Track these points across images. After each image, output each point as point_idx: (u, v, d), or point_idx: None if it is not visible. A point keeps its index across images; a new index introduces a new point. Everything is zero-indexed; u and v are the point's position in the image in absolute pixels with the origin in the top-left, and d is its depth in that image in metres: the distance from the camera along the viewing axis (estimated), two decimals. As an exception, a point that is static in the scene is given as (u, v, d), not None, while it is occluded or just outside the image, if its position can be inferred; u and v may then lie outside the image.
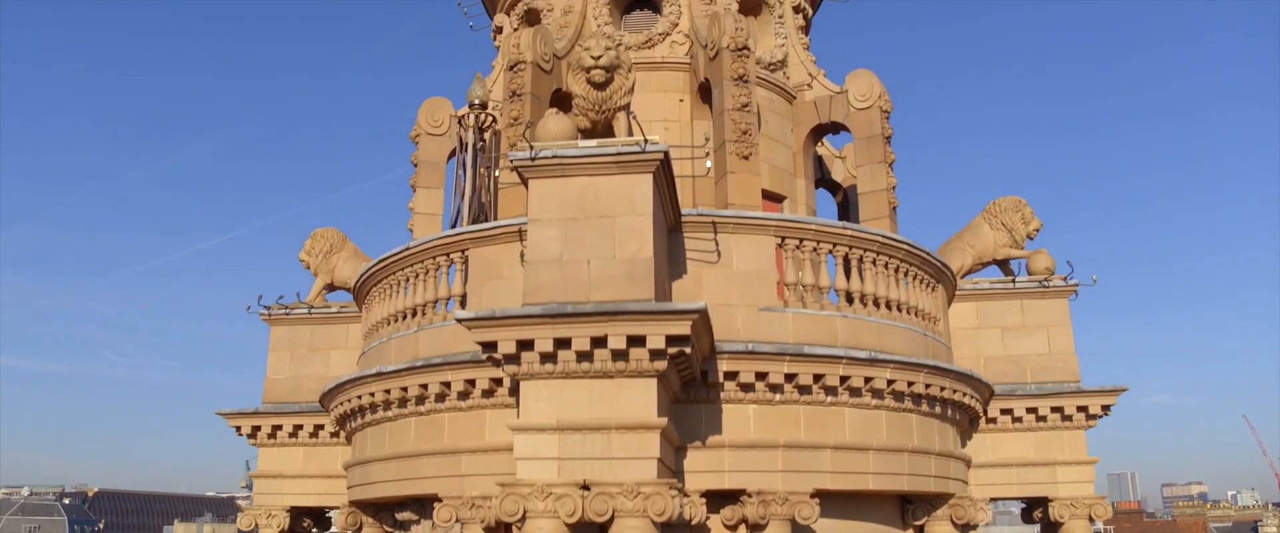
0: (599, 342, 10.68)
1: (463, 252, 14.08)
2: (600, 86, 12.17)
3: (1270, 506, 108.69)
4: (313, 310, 18.79)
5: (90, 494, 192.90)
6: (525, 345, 10.80)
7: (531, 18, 18.74)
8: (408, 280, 14.93)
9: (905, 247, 14.62)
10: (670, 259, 12.98)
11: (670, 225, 12.98)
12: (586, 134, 12.71)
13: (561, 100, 16.77)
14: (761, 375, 12.72)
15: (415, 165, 18.40)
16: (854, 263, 14.06)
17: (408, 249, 14.77)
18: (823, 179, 20.40)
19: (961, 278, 17.48)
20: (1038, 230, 18.08)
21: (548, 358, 10.84)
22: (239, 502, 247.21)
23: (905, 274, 14.76)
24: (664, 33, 17.23)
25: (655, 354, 10.68)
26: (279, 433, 18.32)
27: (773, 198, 17.16)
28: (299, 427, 18.11)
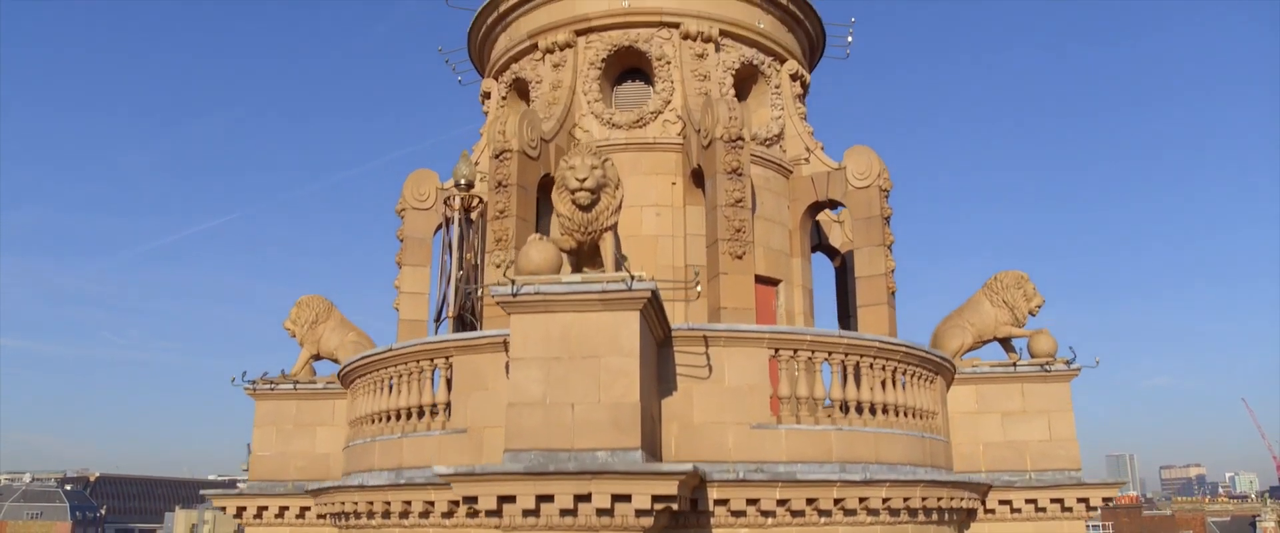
0: (583, 498, 10.30)
1: (447, 358, 13.66)
2: (586, 208, 11.71)
3: (1268, 498, 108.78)
4: (298, 385, 18.36)
5: (92, 479, 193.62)
6: (507, 500, 10.43)
7: (520, 87, 18.24)
8: (392, 379, 14.53)
9: (903, 349, 14.21)
10: (659, 376, 12.58)
11: (659, 341, 12.56)
12: (572, 253, 12.25)
13: (550, 184, 16.32)
14: (753, 501, 12.35)
15: (401, 241, 17.94)
16: (850, 370, 13.65)
17: (391, 350, 14.35)
18: (820, 244, 19.94)
19: (960, 358, 17.08)
20: (1040, 307, 17.66)
21: (530, 513, 10.47)
22: (241, 485, 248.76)
23: (903, 373, 14.36)
24: (656, 111, 16.71)
25: (641, 512, 10.29)
26: (265, 513, 17.98)
27: (767, 282, 16.72)
28: (285, 508, 17.76)
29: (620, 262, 12.54)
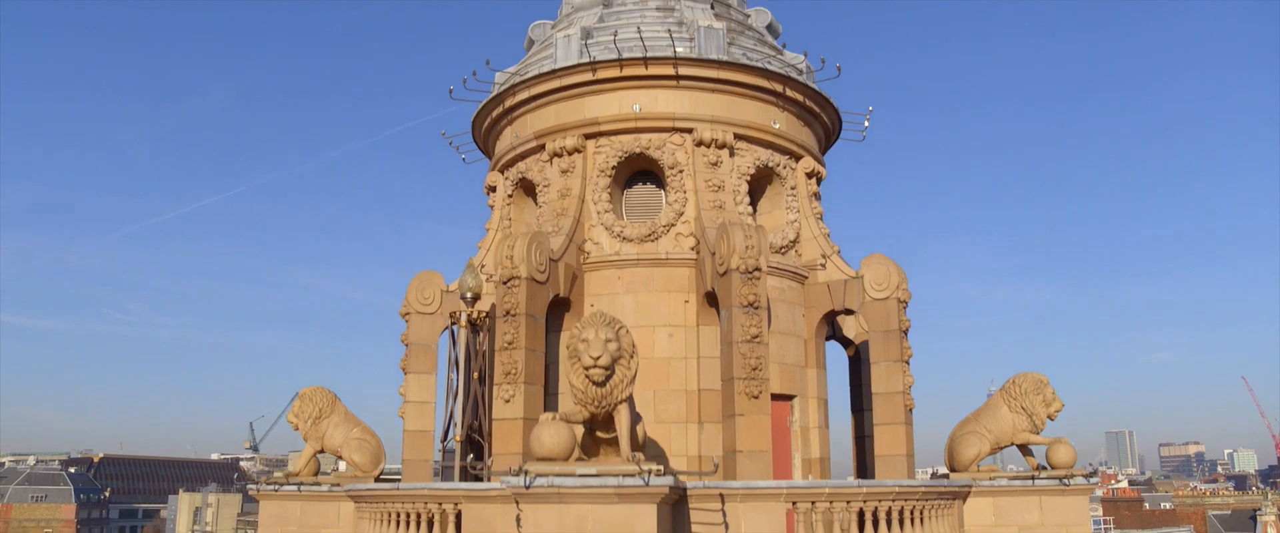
0: None
1: (456, 504, 13.31)
2: (601, 384, 11.29)
3: (1269, 492, 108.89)
4: (302, 487, 18.04)
5: (95, 460, 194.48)
6: None
7: (526, 186, 17.73)
8: (400, 515, 14.17)
9: (922, 490, 13.85)
10: (674, 535, 12.23)
11: (673, 503, 12.20)
12: (586, 425, 11.84)
13: (558, 304, 15.88)
14: None
15: (405, 345, 17.53)
16: (868, 515, 13.30)
17: (400, 490, 13.99)
18: (834, 333, 19.50)
19: (977, 467, 16.75)
20: (1059, 411, 17.31)
21: None
22: (243, 464, 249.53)
23: (922, 511, 14.01)
24: (668, 224, 16.20)
25: None
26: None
27: (782, 398, 16.31)
28: (289, 618, 17.50)
29: (635, 429, 12.12)
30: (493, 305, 16.03)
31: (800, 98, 17.49)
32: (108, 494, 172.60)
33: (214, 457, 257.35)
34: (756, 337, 14.23)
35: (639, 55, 16.33)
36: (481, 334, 16.24)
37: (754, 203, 17.42)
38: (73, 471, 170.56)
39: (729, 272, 14.50)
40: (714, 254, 15.06)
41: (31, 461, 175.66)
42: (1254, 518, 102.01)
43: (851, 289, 16.74)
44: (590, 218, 16.43)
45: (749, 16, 18.93)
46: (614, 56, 16.42)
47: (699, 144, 16.34)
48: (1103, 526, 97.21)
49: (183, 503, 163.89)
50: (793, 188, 17.43)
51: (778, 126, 17.20)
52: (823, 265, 17.16)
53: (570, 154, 16.59)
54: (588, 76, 16.58)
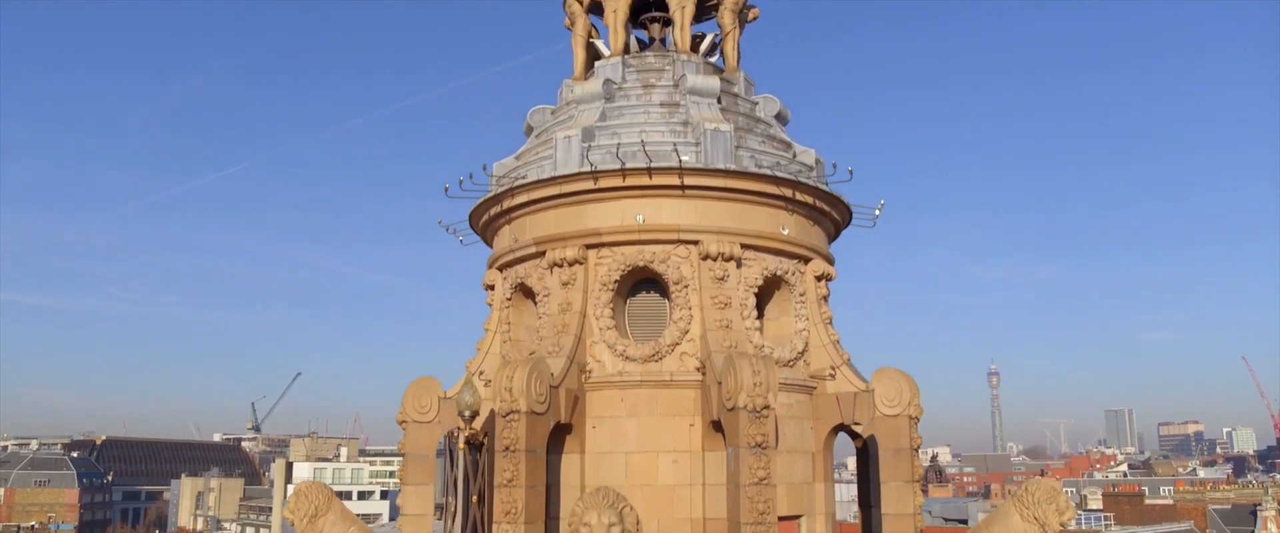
0: None
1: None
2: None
3: (1270, 488, 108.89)
4: (297, 592, 17.66)
5: (98, 443, 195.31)
6: None
7: (525, 291, 17.13)
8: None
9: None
10: None
11: None
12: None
13: (559, 430, 15.36)
14: None
15: (402, 455, 17.04)
16: None
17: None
18: (840, 424, 18.99)
19: (990, 579, 16.33)
20: (1071, 520, 16.93)
21: None
22: (245, 444, 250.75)
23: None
24: (673, 343, 15.63)
25: None
26: None
27: (788, 519, 15.82)
28: None
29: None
30: (491, 411, 15.53)
31: (810, 200, 16.86)
32: (110, 478, 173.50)
33: (216, 438, 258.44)
34: (764, 479, 13.73)
35: (643, 165, 15.69)
36: (481, 451, 15.74)
37: (761, 307, 16.85)
38: (75, 455, 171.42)
39: (737, 408, 13.96)
40: (721, 384, 14.52)
41: (34, 445, 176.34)
42: (1254, 513, 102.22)
43: (861, 403, 16.22)
44: (592, 334, 15.86)
45: (757, 105, 18.25)
46: (616, 166, 15.79)
47: (705, 258, 15.74)
48: (1103, 520, 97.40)
49: (185, 488, 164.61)
50: (801, 294, 16.84)
51: (787, 232, 16.59)
52: (831, 376, 16.62)
53: (571, 266, 16.00)
54: (589, 185, 15.96)
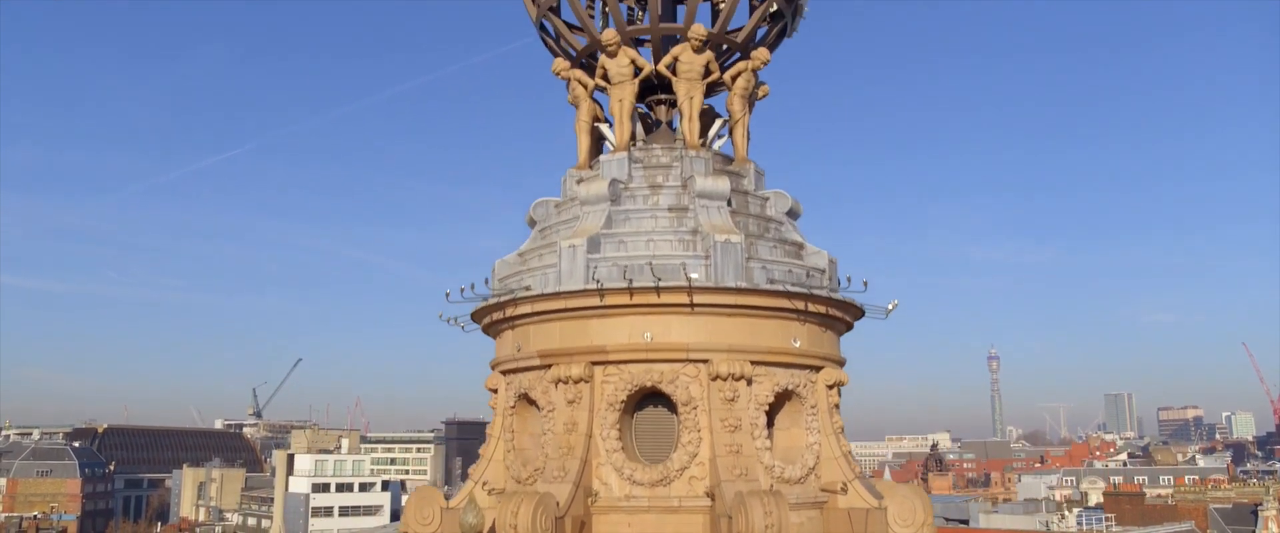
0: None
1: None
2: None
3: (1271, 484, 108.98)
4: None
5: (99, 431, 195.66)
6: None
7: (527, 399, 16.68)
8: None
9: None
10: None
11: None
12: None
13: (566, 558, 14.94)
14: None
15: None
16: None
17: None
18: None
19: None
20: None
21: None
22: (247, 429, 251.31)
23: None
24: (681, 467, 15.18)
25: None
26: None
27: (800, 643, 15.45)
28: None
29: None
30: (494, 523, 15.14)
31: (823, 309, 16.38)
32: (112, 468, 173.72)
33: (218, 425, 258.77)
34: (777, 627, 13.34)
35: (650, 284, 15.19)
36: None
37: (771, 416, 16.38)
38: (77, 445, 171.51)
39: (749, 553, 13.54)
40: (731, 519, 14.10)
41: (36, 434, 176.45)
42: (1255, 513, 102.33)
43: (874, 520, 15.81)
44: (599, 455, 15.43)
45: (768, 201, 17.71)
46: (623, 283, 15.29)
47: (715, 378, 15.27)
48: (1103, 521, 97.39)
49: (186, 478, 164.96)
50: (813, 406, 16.38)
51: (798, 344, 16.12)
52: (843, 490, 16.19)
53: (576, 383, 15.54)
54: (595, 302, 15.47)
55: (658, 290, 15.22)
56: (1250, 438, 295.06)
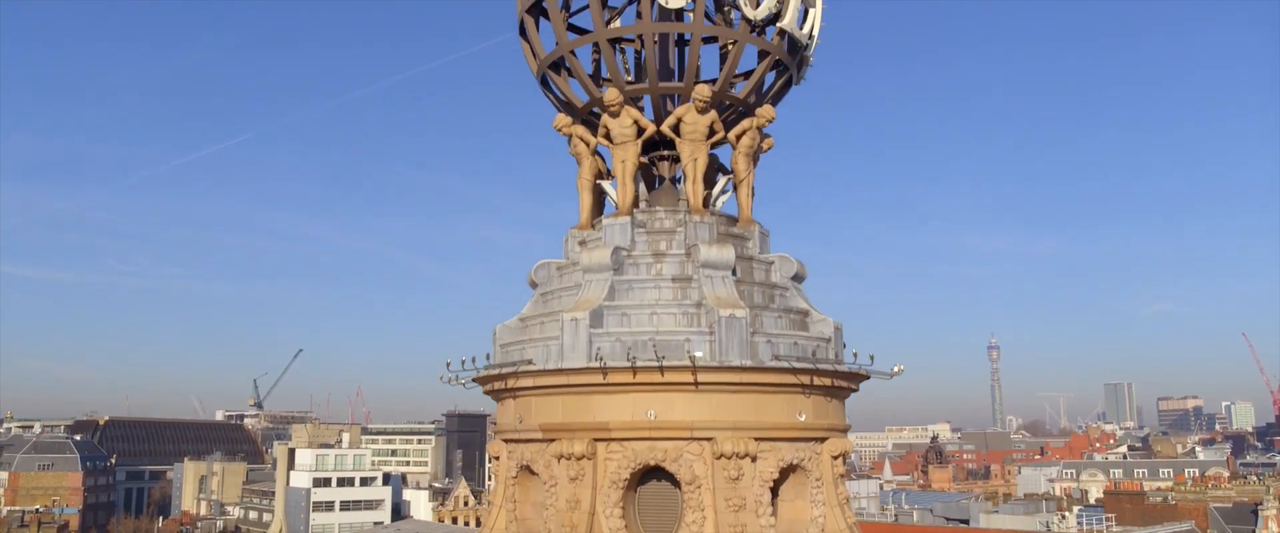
0: None
1: None
2: None
3: (1271, 481, 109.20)
4: None
5: (101, 423, 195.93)
6: None
7: (529, 470, 16.48)
8: None
9: None
10: None
11: None
12: None
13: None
14: None
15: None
16: None
17: None
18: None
19: None
20: None
21: None
22: (247, 420, 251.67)
23: None
24: (686, 553, 14.99)
25: None
26: None
27: None
28: None
29: None
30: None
31: (829, 382, 16.15)
32: (113, 461, 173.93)
33: (219, 416, 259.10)
34: None
35: (654, 363, 14.95)
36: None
37: (776, 487, 16.16)
38: (78, 438, 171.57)
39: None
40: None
41: (37, 428, 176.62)
42: (1255, 513, 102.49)
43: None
44: (601, 529, 15.23)
45: (773, 266, 17.45)
46: (626, 361, 15.06)
47: (719, 457, 15.06)
48: (1104, 520, 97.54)
49: (188, 472, 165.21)
50: (817, 478, 16.17)
51: (803, 418, 15.90)
52: (850, 562, 16.02)
53: (579, 460, 15.32)
54: (598, 379, 15.24)
55: (661, 369, 14.99)
56: (1250, 429, 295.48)
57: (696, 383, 15.15)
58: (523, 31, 18.75)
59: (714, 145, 18.12)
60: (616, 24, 18.76)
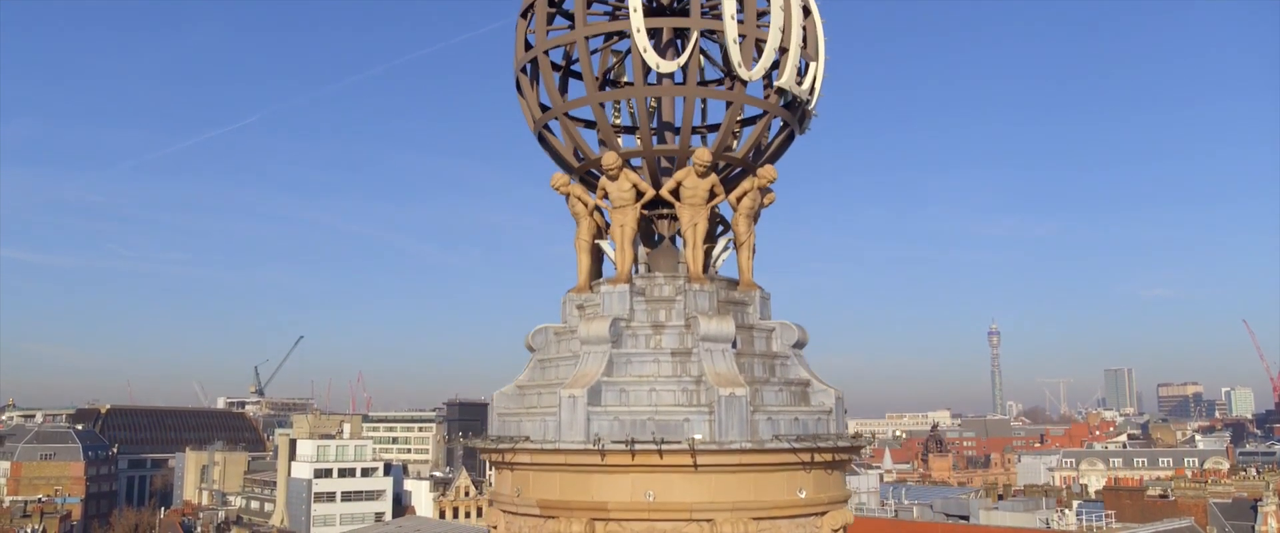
0: None
1: None
2: None
3: (1269, 481, 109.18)
4: None
5: (102, 412, 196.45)
6: None
7: (530, 546, 16.31)
8: None
9: None
10: None
11: None
12: None
13: None
14: None
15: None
16: None
17: None
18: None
19: None
20: None
21: None
22: (249, 408, 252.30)
23: None
24: (685, 636, 14.84)
25: None
26: None
27: None
28: None
29: None
30: None
31: (830, 456, 15.94)
32: (115, 450, 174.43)
33: (221, 403, 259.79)
34: None
35: (653, 446, 14.74)
36: None
37: (776, 563, 16.01)
38: (80, 427, 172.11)
39: None
40: None
41: (39, 417, 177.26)
42: (1254, 508, 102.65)
43: None
44: (601, 618, 15.06)
45: (773, 333, 17.19)
46: (625, 442, 14.84)
47: (719, 539, 14.87)
48: (1104, 517, 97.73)
49: (189, 462, 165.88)
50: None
51: (804, 495, 15.70)
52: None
53: (576, 540, 15.13)
54: (596, 460, 15.04)
55: (660, 452, 14.78)
56: (1249, 416, 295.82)
57: (696, 465, 14.94)
58: (519, 87, 18.45)
59: (715, 208, 17.86)
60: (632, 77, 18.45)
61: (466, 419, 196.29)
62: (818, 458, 15.74)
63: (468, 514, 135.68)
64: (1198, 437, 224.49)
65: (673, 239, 18.51)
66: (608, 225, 17.99)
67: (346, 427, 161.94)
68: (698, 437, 14.89)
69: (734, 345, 16.24)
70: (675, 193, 17.22)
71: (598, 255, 18.18)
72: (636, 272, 17.58)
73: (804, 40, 17.93)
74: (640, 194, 17.22)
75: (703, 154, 16.88)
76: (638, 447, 14.78)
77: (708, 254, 17.73)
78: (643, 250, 18.30)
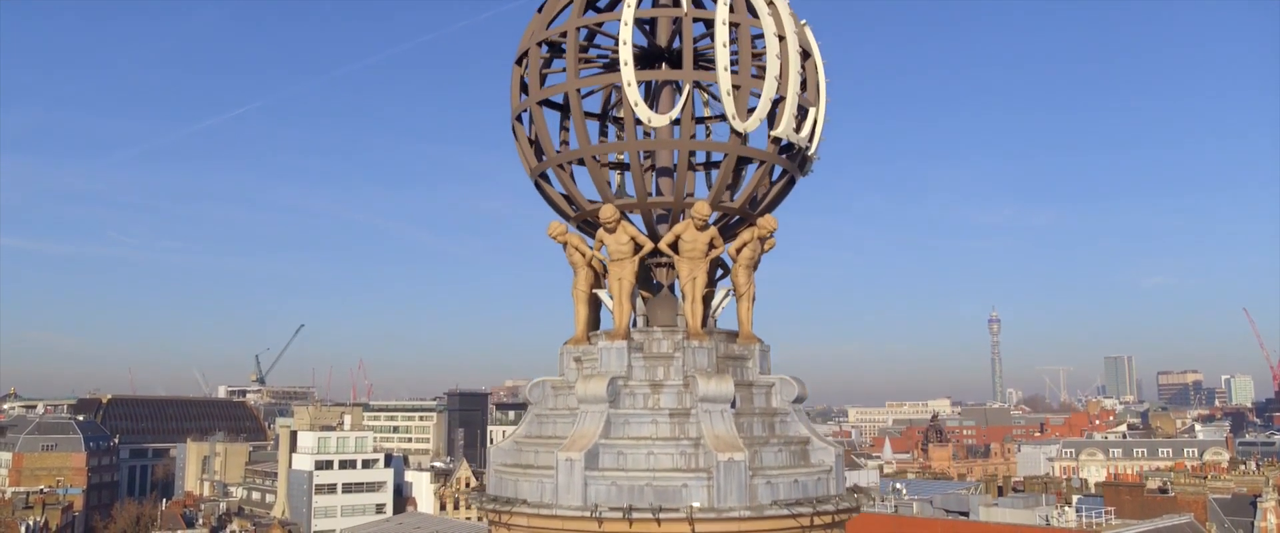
0: None
1: None
2: None
3: (1269, 477, 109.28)
4: None
5: (104, 402, 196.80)
6: None
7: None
8: None
9: None
10: None
11: None
12: None
13: None
14: None
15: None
16: None
17: None
18: None
19: None
20: None
21: None
22: (250, 396, 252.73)
23: None
24: None
25: None
26: None
27: None
28: None
29: None
30: None
31: (830, 519, 15.79)
32: (116, 440, 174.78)
33: (222, 392, 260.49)
34: None
35: (649, 512, 14.58)
36: None
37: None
38: (82, 418, 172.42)
39: None
40: None
41: (40, 407, 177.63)
42: (1254, 504, 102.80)
43: None
44: None
45: (773, 389, 16.99)
46: (621, 509, 14.68)
47: (718, 619, 14.73)
48: (1104, 513, 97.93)
49: (191, 452, 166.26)
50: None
51: (804, 567, 15.54)
52: None
53: (574, 618, 15.00)
54: (594, 527, 14.88)
55: (657, 519, 14.62)
56: (1249, 404, 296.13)
57: (694, 532, 14.78)
58: (515, 132, 18.22)
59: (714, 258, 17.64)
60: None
61: (467, 409, 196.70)
62: (817, 521, 15.59)
63: (468, 506, 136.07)
64: (1197, 426, 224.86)
65: (671, 287, 18.29)
66: (605, 272, 17.79)
67: (347, 418, 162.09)
68: (696, 505, 14.73)
69: (733, 405, 16.05)
70: (674, 246, 17.00)
71: (595, 305, 17.97)
72: (634, 325, 17.37)
73: (803, 85, 17.67)
74: (639, 247, 17.00)
75: (701, 208, 16.64)
76: (635, 516, 14.62)
77: (707, 304, 17.52)
78: (640, 301, 18.09)
